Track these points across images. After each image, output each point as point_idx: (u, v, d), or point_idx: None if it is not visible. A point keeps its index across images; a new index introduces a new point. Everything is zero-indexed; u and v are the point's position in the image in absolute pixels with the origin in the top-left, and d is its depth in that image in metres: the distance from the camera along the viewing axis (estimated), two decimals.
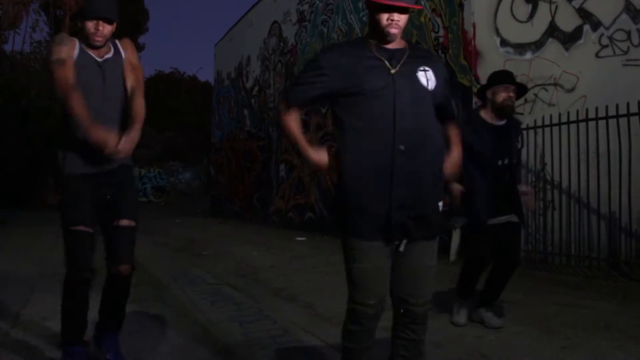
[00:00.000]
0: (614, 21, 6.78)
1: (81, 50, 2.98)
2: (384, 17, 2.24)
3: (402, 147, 2.22)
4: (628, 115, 5.73)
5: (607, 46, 6.79)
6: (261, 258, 7.51)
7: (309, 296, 4.85)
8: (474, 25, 7.60)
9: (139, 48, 35.23)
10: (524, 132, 6.48)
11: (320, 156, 2.37)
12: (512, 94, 3.89)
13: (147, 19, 34.99)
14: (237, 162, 17.57)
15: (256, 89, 16.29)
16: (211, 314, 4.31)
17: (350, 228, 2.28)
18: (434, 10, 8.44)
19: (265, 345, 3.45)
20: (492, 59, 7.41)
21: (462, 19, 7.81)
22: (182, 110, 35.07)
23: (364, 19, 10.47)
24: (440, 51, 8.27)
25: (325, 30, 12.14)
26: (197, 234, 11.18)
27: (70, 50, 2.92)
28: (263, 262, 7.12)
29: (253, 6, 16.66)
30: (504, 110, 3.90)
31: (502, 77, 3.97)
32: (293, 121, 2.42)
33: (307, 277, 5.91)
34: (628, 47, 6.67)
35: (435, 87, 2.35)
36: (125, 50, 3.14)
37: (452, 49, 8.00)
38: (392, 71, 2.28)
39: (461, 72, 7.79)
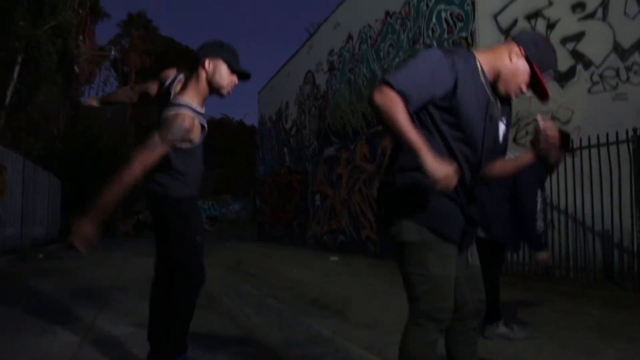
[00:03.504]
0: (604, 60, 6.81)
1: (197, 117, 2.59)
2: (525, 84, 1.99)
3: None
4: (617, 142, 5.76)
5: (597, 83, 6.83)
6: (300, 275, 7.65)
7: (340, 305, 4.95)
8: None
9: None
10: None
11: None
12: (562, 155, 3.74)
13: None
14: (279, 193, 17.87)
15: (294, 129, 16.67)
16: (255, 319, 4.46)
17: (440, 230, 1.88)
18: None
19: (300, 344, 3.58)
20: None
21: None
22: (231, 150, 35.83)
23: (385, 66, 10.71)
24: None
25: (352, 77, 12.43)
26: (245, 256, 11.38)
27: (198, 130, 2.60)
28: (301, 277, 7.26)
29: (290, 58, 17.17)
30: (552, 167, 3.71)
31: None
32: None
33: (339, 289, 6.02)
34: (617, 83, 6.69)
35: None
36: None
37: None
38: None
39: None
